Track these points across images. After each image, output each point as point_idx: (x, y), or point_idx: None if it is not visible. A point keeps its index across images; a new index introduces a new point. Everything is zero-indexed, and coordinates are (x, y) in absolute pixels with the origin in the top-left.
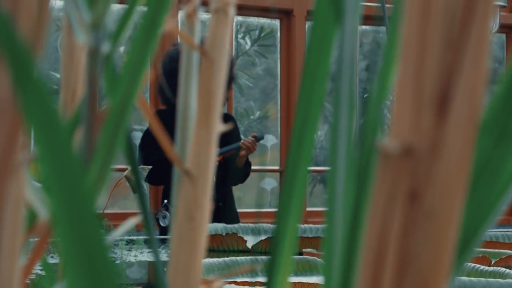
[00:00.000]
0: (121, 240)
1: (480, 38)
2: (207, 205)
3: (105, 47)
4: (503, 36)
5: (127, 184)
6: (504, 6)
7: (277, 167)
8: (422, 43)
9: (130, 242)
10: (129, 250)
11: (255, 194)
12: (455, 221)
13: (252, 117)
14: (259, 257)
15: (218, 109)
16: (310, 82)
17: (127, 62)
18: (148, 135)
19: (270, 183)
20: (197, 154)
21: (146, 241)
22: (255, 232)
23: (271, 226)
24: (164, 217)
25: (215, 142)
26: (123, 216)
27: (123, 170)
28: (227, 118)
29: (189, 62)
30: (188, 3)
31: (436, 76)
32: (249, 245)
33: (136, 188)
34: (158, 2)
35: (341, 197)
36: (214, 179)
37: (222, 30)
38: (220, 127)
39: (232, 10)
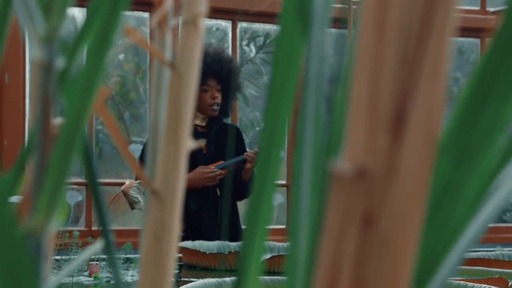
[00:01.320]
0: (117, 258)
1: (437, 54)
2: (175, 227)
3: (60, 62)
4: (478, 41)
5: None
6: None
7: (284, 181)
8: (377, 59)
9: (127, 261)
10: (126, 270)
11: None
12: (412, 247)
13: (258, 128)
14: (264, 277)
15: (187, 125)
16: (277, 97)
17: (79, 77)
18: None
19: (277, 198)
20: (165, 173)
21: None
22: None
23: (278, 244)
24: None
25: (184, 160)
26: (122, 233)
27: (121, 184)
28: (231, 129)
29: (160, 76)
30: (158, 11)
31: (391, 94)
32: None
33: (95, 205)
34: (109, 13)
35: (305, 215)
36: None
37: (192, 43)
38: (189, 144)
39: (202, 22)
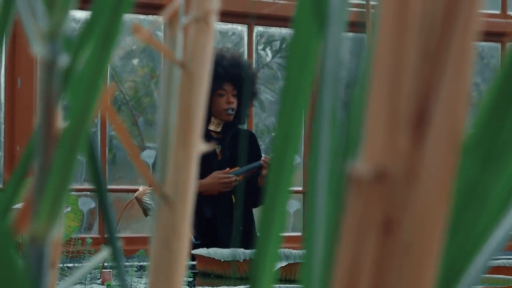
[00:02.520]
0: (131, 266)
1: (462, 49)
2: (186, 234)
3: (63, 60)
4: (498, 45)
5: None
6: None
7: (300, 188)
8: (397, 55)
9: (140, 268)
10: (140, 277)
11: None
12: (435, 254)
13: (274, 134)
14: (279, 285)
15: (198, 127)
16: (291, 100)
17: (82, 75)
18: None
19: (293, 205)
20: (175, 177)
21: None
22: None
23: (294, 251)
24: None
25: (196, 164)
26: (136, 241)
27: (135, 191)
28: (247, 135)
29: (170, 76)
30: (168, 9)
31: (412, 92)
32: None
33: (103, 212)
34: (113, 9)
35: (321, 221)
36: (234, 201)
37: (203, 41)
38: (200, 147)
39: (213, 19)
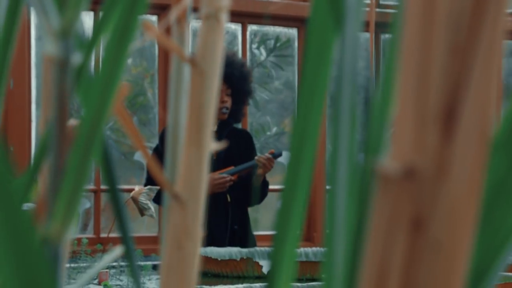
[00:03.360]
0: (127, 266)
1: (491, 43)
2: (198, 233)
3: (76, 58)
4: None
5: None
6: None
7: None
8: (425, 50)
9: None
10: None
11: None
12: (465, 252)
13: (268, 133)
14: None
15: (210, 126)
16: (308, 96)
17: (99, 74)
18: (157, 154)
19: None
20: (187, 176)
21: (155, 267)
22: None
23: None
24: None
25: (207, 162)
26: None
27: (130, 190)
28: (242, 134)
29: (179, 74)
30: (177, 7)
31: (441, 88)
32: (266, 270)
33: (115, 212)
34: (130, 8)
35: (342, 220)
36: (229, 200)
37: (214, 38)
38: (212, 146)
39: (224, 16)
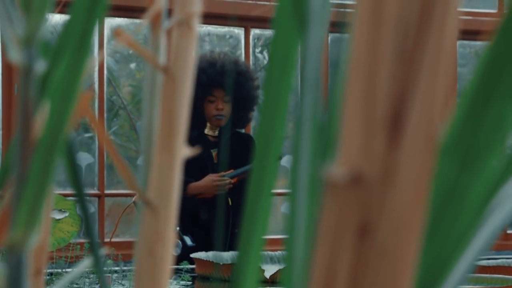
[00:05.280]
0: (129, 271)
1: (437, 49)
2: (171, 239)
3: (40, 66)
4: None
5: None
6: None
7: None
8: (372, 55)
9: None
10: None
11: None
12: (412, 258)
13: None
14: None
15: (182, 131)
16: (272, 100)
17: (57, 82)
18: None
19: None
20: (159, 182)
21: None
22: (274, 260)
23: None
24: (175, 245)
25: (179, 168)
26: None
27: (134, 195)
28: (244, 138)
29: (153, 80)
30: (151, 12)
31: (388, 93)
32: (267, 275)
33: (83, 217)
34: (88, 14)
35: (302, 223)
36: (230, 203)
37: (186, 45)
38: (184, 152)
39: (196, 23)
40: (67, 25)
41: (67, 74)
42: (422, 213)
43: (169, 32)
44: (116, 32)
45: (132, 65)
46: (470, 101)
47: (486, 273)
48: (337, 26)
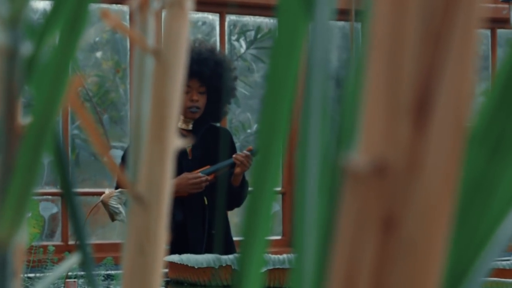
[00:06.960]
0: (97, 275)
1: (466, 29)
2: (162, 236)
3: (26, 48)
4: (488, 32)
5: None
6: None
7: (279, 188)
8: (397, 37)
9: (108, 277)
10: (107, 287)
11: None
12: (439, 252)
13: (249, 130)
14: None
15: (174, 121)
16: (276, 88)
17: (47, 66)
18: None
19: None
20: (149, 175)
21: None
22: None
23: (273, 256)
24: None
25: (171, 161)
26: (103, 247)
27: (100, 194)
28: (220, 132)
29: (142, 66)
30: None
31: (413, 77)
32: None
33: (71, 217)
34: None
35: (311, 222)
36: (206, 203)
37: (178, 27)
38: (176, 143)
39: (188, 4)
40: (56, 6)
41: (58, 59)
42: (450, 205)
43: (157, 14)
44: (103, 13)
45: (98, 54)
46: (503, 85)
47: (493, 277)
48: (344, 13)
